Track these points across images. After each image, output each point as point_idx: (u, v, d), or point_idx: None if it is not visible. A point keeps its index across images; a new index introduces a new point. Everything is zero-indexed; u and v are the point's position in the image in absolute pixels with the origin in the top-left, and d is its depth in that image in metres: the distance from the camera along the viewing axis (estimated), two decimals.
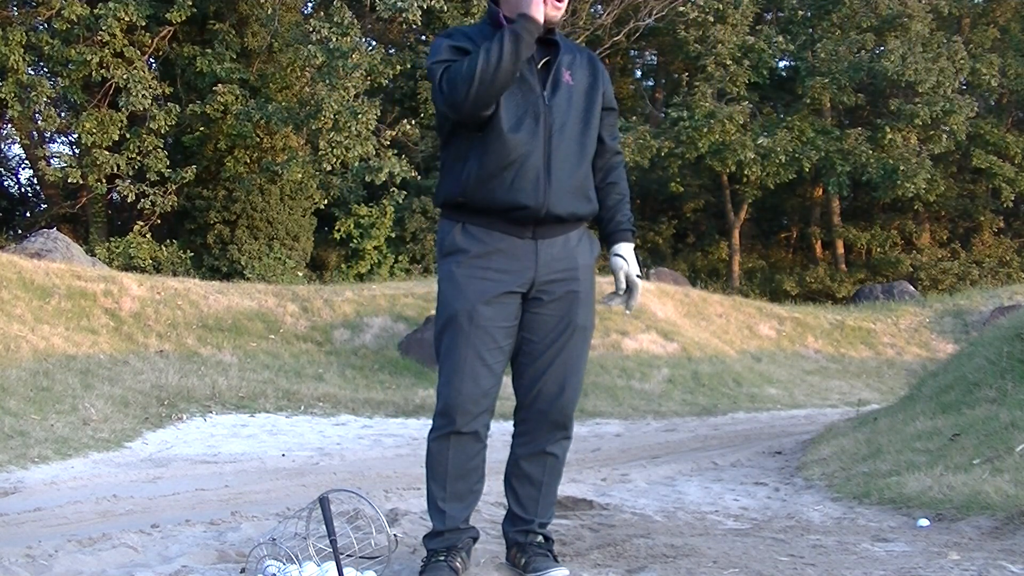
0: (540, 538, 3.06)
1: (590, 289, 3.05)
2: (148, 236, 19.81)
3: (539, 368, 2.99)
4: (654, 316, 14.55)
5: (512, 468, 3.08)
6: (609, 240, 3.11)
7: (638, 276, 3.10)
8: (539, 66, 2.93)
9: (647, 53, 28.89)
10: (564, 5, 2.94)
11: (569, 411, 3.04)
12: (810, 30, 23.79)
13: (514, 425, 3.09)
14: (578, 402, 3.10)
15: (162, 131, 19.94)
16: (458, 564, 2.94)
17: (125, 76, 18.82)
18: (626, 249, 3.09)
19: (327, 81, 18.51)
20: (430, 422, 2.99)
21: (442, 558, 2.92)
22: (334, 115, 18.10)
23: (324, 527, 2.87)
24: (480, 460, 2.99)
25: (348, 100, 18.39)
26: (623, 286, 3.06)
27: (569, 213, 2.94)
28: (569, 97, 2.95)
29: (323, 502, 2.82)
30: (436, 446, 2.94)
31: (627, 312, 3.07)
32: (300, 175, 19.35)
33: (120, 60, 19.18)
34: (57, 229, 16.47)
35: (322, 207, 20.68)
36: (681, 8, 21.95)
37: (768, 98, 25.07)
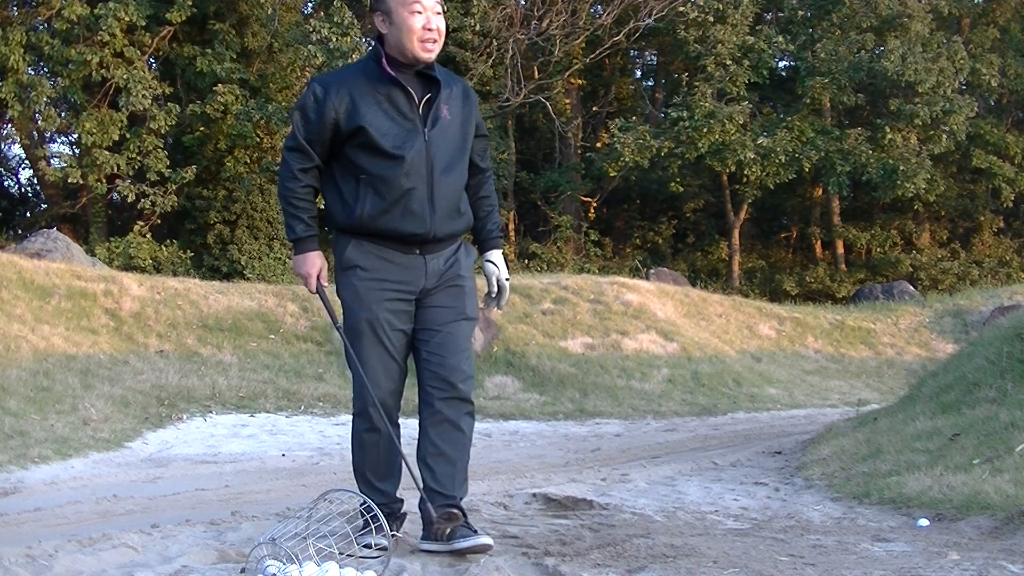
0: (460, 513, 3.30)
1: (473, 287, 3.45)
2: (148, 236, 19.80)
3: (436, 348, 3.31)
4: (654, 316, 14.54)
5: (426, 447, 3.33)
6: (481, 248, 3.49)
7: (506, 279, 3.46)
8: (421, 103, 3.26)
9: (647, 53, 28.86)
10: (437, 48, 3.26)
11: (468, 381, 3.34)
12: (810, 30, 23.77)
13: (420, 408, 3.36)
14: (474, 384, 3.44)
15: (162, 131, 19.95)
16: (393, 528, 3.28)
17: (125, 76, 18.82)
18: (496, 255, 3.46)
19: None
20: None
21: (378, 523, 3.17)
22: None
23: (324, 527, 2.88)
24: (398, 443, 3.33)
25: None
26: (494, 289, 3.44)
27: (449, 234, 3.34)
28: (446, 131, 3.29)
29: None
30: (366, 438, 3.33)
31: (498, 310, 3.53)
32: None
33: (120, 60, 19.19)
34: (57, 229, 16.45)
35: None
36: (681, 8, 21.92)
37: (768, 98, 25.06)
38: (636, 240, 26.55)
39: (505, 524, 3.93)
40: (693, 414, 11.38)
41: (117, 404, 8.83)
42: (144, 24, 19.25)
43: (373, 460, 3.34)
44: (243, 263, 19.83)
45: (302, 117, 3.29)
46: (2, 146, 25.60)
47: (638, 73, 30.12)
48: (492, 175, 3.58)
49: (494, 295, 3.44)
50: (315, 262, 3.38)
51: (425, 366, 3.33)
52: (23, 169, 26.64)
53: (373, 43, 3.38)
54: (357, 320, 3.31)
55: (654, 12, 21.57)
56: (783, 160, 21.59)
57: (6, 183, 26.63)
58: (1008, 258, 25.55)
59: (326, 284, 3.42)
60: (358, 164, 3.26)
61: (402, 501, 3.49)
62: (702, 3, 21.63)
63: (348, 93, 3.24)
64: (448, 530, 3.21)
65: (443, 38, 3.29)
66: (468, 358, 3.37)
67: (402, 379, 3.38)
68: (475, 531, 3.25)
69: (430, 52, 3.25)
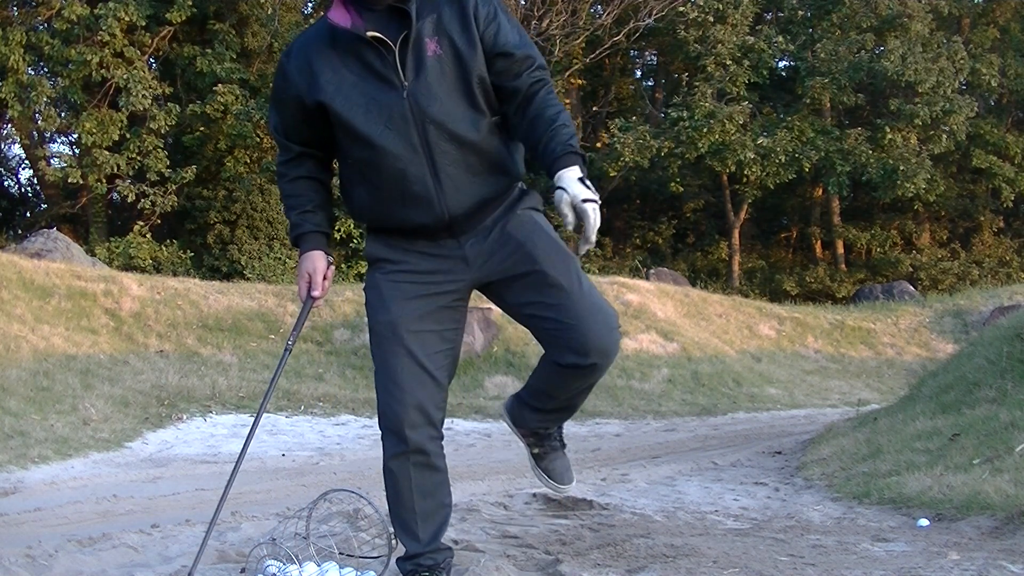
0: (559, 431, 3.00)
1: (550, 243, 2.66)
2: (148, 236, 19.82)
3: (561, 320, 2.62)
4: (654, 316, 14.54)
5: (552, 376, 2.79)
6: (549, 172, 2.55)
7: (586, 200, 2.44)
8: (397, 45, 2.49)
9: (647, 53, 28.88)
10: None
11: (614, 335, 2.66)
12: (810, 30, 23.78)
13: (558, 363, 2.77)
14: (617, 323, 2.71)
15: (162, 131, 19.96)
16: None
17: (125, 76, 18.84)
18: (566, 176, 2.49)
19: None
20: None
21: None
22: None
23: (324, 527, 2.87)
24: (443, 475, 2.74)
25: None
26: (571, 220, 2.44)
27: (475, 205, 2.60)
28: (440, 71, 2.51)
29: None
30: (395, 465, 2.69)
31: (589, 245, 2.44)
32: None
33: (120, 60, 19.21)
34: (57, 229, 16.47)
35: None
36: (681, 8, 21.95)
37: (768, 98, 25.06)
38: (636, 240, 26.55)
39: (505, 524, 3.93)
40: (693, 414, 11.38)
41: (117, 404, 8.83)
42: (144, 24, 19.27)
43: (406, 493, 2.73)
44: (243, 263, 19.84)
45: (272, 103, 2.71)
46: (2, 146, 25.65)
47: (638, 73, 30.15)
48: (545, 85, 2.61)
49: (570, 227, 2.46)
50: (302, 265, 2.75)
51: (553, 342, 2.70)
52: (23, 169, 26.69)
53: None
54: (376, 323, 2.67)
55: (654, 12, 21.59)
56: (783, 160, 21.60)
57: (6, 183, 26.64)
58: (1008, 258, 25.56)
59: (317, 295, 2.75)
60: (341, 146, 2.63)
61: (447, 552, 2.80)
62: (702, 3, 21.65)
63: (307, 59, 2.56)
64: (539, 450, 2.94)
65: None
66: (600, 314, 2.61)
67: (436, 392, 2.66)
68: (563, 446, 2.97)
69: None
